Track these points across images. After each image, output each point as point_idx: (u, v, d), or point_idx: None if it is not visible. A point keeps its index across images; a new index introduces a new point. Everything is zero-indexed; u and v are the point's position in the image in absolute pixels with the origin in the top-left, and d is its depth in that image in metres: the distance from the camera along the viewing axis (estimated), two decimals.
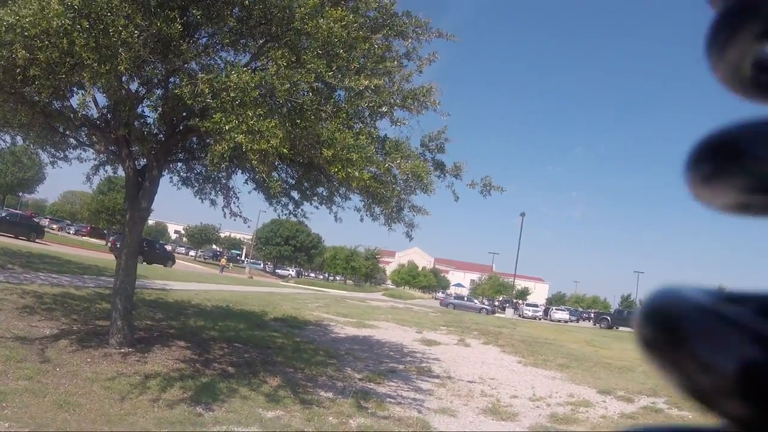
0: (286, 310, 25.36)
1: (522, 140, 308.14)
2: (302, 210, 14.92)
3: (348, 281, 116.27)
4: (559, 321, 72.46)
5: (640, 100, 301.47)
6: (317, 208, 14.65)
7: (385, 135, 11.88)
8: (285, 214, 15.36)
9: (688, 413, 13.19)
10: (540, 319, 72.80)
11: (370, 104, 9.87)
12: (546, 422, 11.10)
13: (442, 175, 12.68)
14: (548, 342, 28.59)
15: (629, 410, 13.08)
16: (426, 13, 11.36)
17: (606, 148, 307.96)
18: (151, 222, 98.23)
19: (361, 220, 13.16)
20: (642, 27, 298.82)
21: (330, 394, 10.95)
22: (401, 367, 15.46)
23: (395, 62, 10.99)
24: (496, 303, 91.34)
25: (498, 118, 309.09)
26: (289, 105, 9.04)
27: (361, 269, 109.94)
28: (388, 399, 11.35)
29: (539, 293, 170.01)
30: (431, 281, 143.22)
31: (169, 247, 72.13)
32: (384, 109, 10.21)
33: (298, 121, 8.79)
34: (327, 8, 8.83)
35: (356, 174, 9.13)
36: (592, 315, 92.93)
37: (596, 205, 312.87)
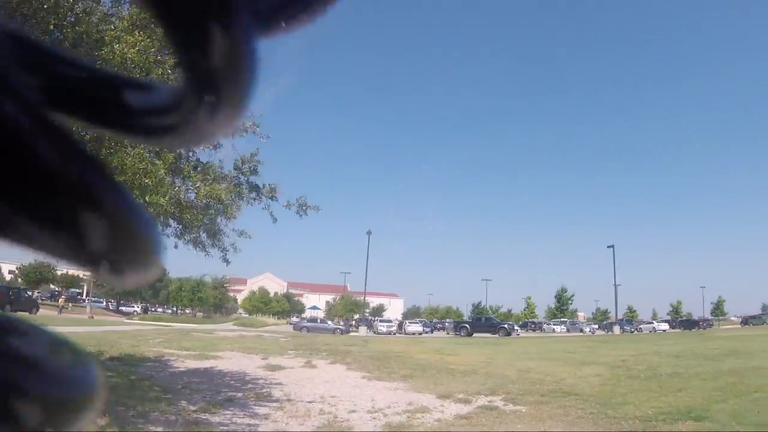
0: (124, 349, 24.39)
1: (371, 159, 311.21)
2: None
3: (198, 313, 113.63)
4: (413, 334, 73.61)
5: (480, 115, 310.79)
6: None
7: (197, 159, 11.66)
8: None
9: (522, 407, 13.56)
10: (395, 333, 73.32)
11: None
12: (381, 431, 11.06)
13: (257, 197, 12.55)
14: (397, 355, 28.82)
15: (465, 411, 13.22)
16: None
17: (452, 164, 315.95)
18: None
19: (175, 246, 12.81)
20: (475, 44, 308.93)
21: (160, 429, 10.49)
22: (240, 395, 15.05)
23: None
24: (352, 322, 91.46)
25: (348, 140, 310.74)
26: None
27: (209, 300, 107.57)
28: (220, 427, 10.98)
29: (395, 309, 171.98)
30: (284, 306, 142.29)
31: (34, 294, 68.77)
32: None
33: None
34: (124, 34, 8.53)
35: (150, 200, 8.84)
36: (446, 325, 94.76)
37: (446, 219, 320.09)
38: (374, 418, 12.42)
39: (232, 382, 17.65)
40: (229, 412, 12.63)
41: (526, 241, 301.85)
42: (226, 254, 12.96)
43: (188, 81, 0.42)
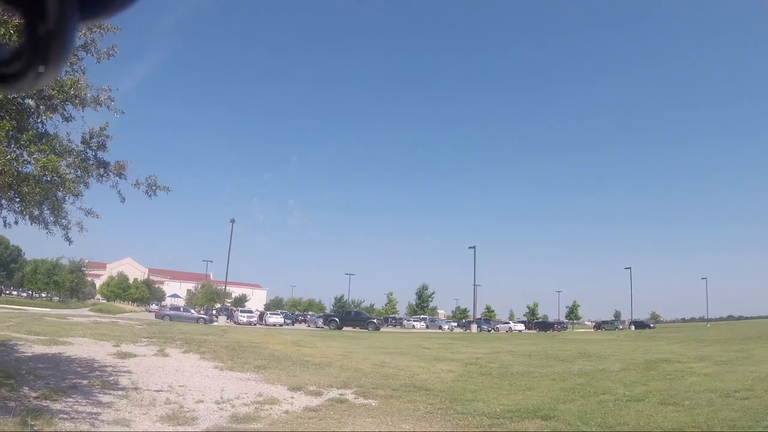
0: None
1: (240, 146, 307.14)
2: None
3: (54, 298, 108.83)
4: (273, 325, 73.08)
5: (349, 110, 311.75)
6: None
7: (45, 130, 10.99)
8: None
9: (372, 401, 13.52)
10: (255, 324, 72.63)
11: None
12: (225, 423, 10.79)
13: (105, 174, 11.96)
14: (253, 346, 28.41)
15: (315, 403, 13.11)
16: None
17: (319, 158, 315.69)
18: None
19: (15, 222, 12.02)
20: (349, 38, 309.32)
21: None
22: (85, 382, 14.41)
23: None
24: (214, 312, 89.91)
25: (217, 122, 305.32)
26: None
27: (66, 283, 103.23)
28: (60, 415, 10.44)
29: (258, 299, 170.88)
30: (144, 293, 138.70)
31: None
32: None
33: None
34: None
35: None
36: (308, 317, 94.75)
37: (311, 212, 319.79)
38: (221, 409, 12.17)
39: (80, 369, 16.94)
40: (71, 399, 12.14)
41: (390, 237, 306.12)
42: (68, 232, 12.29)
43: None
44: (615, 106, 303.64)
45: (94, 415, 10.73)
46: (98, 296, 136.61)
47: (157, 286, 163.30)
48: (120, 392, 13.39)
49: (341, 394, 14.40)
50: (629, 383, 17.41)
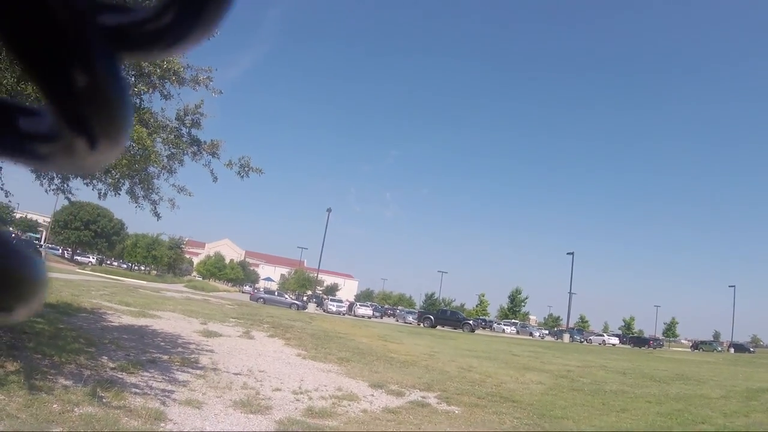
0: (62, 297, 23.35)
1: (338, 138, 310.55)
2: (68, 185, 13.46)
3: (153, 272, 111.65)
4: (362, 317, 73.03)
5: (451, 113, 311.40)
6: (87, 184, 13.20)
7: (140, 104, 10.80)
8: (52, 189, 13.71)
9: (456, 408, 12.84)
10: (344, 314, 72.68)
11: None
12: (299, 416, 10.27)
13: (198, 152, 11.72)
14: (340, 336, 28.16)
15: (395, 405, 12.51)
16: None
17: (420, 153, 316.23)
18: None
19: (102, 196, 11.90)
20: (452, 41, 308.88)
21: (70, 382, 9.70)
22: (165, 357, 14.29)
23: None
24: (305, 298, 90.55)
25: (318, 113, 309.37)
26: None
27: (164, 259, 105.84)
28: (133, 389, 10.22)
29: (348, 289, 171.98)
30: (239, 274, 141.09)
31: None
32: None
33: None
34: None
35: None
36: (397, 311, 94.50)
37: (407, 207, 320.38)
38: (297, 400, 11.73)
39: (163, 343, 16.95)
40: (148, 374, 11.96)
41: (484, 237, 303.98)
42: (156, 207, 12.14)
43: (57, 115, 0.45)
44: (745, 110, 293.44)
45: (167, 393, 10.49)
46: (194, 274, 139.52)
47: (252, 268, 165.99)
48: (198, 371, 13.21)
49: (423, 397, 13.76)
50: (729, 413, 16.16)
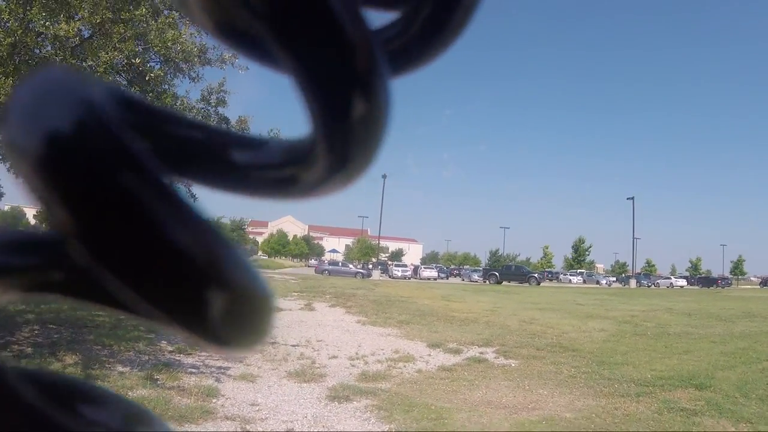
0: None
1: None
2: None
3: None
4: (428, 279, 73.20)
5: (504, 67, 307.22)
6: None
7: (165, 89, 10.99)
8: None
9: (513, 361, 12.83)
10: (409, 278, 72.88)
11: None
12: (354, 381, 10.37)
13: None
14: (401, 300, 28.28)
15: (452, 362, 12.56)
16: None
17: (474, 110, 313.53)
18: None
19: None
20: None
21: (127, 368, 10.02)
22: None
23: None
24: (370, 266, 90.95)
25: None
26: None
27: None
28: (189, 369, 10.49)
29: (414, 254, 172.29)
30: (303, 249, 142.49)
31: None
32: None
33: None
34: None
35: None
36: (462, 271, 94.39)
37: (465, 165, 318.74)
38: (353, 365, 11.88)
39: None
40: (204, 354, 12.07)
41: (545, 190, 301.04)
42: (190, 187, 12.32)
43: (317, 139, 0.42)
44: None
45: (222, 370, 10.71)
46: (260, 253, 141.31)
47: (316, 242, 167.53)
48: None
49: (481, 353, 13.77)
50: None
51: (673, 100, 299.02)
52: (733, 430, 7.95)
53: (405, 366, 11.94)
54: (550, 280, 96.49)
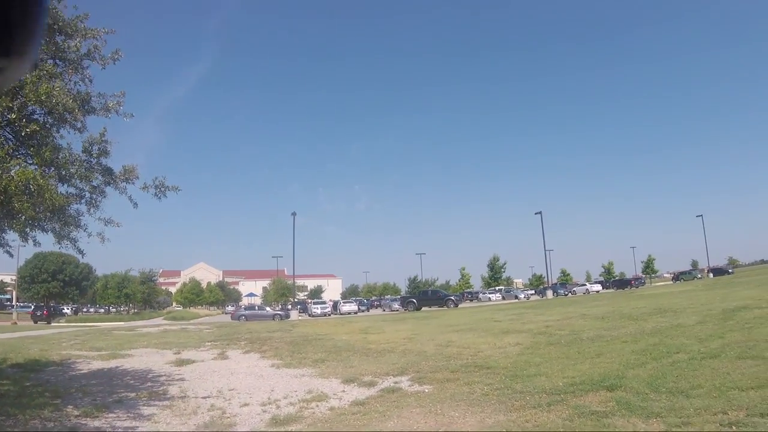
0: (31, 354, 22.92)
1: (299, 139, 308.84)
2: (4, 237, 13.17)
3: (132, 311, 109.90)
4: (348, 313, 73.27)
5: (409, 101, 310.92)
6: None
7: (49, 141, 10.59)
8: None
9: (427, 387, 12.75)
10: (329, 315, 72.57)
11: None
12: (263, 427, 10.15)
13: (112, 181, 11.56)
14: (318, 338, 27.91)
15: (365, 396, 12.39)
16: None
17: (383, 143, 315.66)
18: None
19: (37, 243, 11.72)
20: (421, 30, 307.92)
21: None
22: (133, 395, 14.06)
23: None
24: (289, 307, 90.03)
25: (272, 120, 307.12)
26: None
27: (137, 295, 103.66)
28: None
29: (333, 289, 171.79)
30: (218, 296, 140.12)
31: None
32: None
33: None
34: None
35: None
36: (383, 302, 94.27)
37: (377, 196, 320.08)
38: (264, 411, 11.59)
39: (132, 381, 16.69)
40: (113, 414, 11.81)
41: (458, 210, 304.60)
42: (76, 243, 11.98)
43: None
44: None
45: (130, 429, 10.42)
46: (174, 304, 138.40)
47: (232, 287, 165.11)
48: (165, 402, 13.04)
49: (396, 383, 13.64)
50: (705, 337, 16.14)
51: (578, 111, 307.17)
52: (644, 426, 7.94)
53: (317, 405, 11.70)
54: (471, 300, 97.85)
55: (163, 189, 11.71)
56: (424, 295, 73.39)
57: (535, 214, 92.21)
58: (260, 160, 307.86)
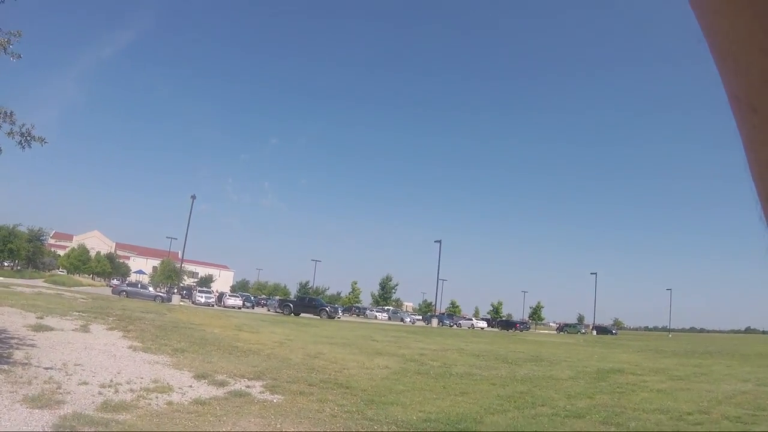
0: None
1: (217, 125, 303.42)
2: None
3: (17, 267, 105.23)
4: (232, 307, 72.20)
5: (327, 110, 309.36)
6: None
7: None
8: None
9: (278, 397, 12.23)
10: (213, 305, 71.32)
11: None
12: (91, 411, 9.41)
13: None
14: (190, 327, 27.09)
15: (211, 395, 11.79)
16: None
17: (296, 143, 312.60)
18: None
19: None
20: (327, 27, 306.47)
21: None
22: None
23: None
24: (175, 290, 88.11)
25: (193, 102, 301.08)
26: None
27: (21, 252, 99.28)
28: None
29: (224, 280, 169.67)
30: (106, 267, 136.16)
31: None
32: None
33: None
34: None
35: None
36: (269, 301, 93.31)
37: (285, 196, 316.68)
38: (100, 394, 10.89)
39: None
40: None
41: (361, 226, 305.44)
42: None
43: None
44: (594, 104, 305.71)
45: None
46: (60, 268, 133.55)
47: (122, 260, 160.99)
48: (4, 366, 12.20)
49: (248, 387, 13.10)
50: (574, 394, 16.06)
51: (478, 154, 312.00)
52: None
53: (157, 397, 11.06)
54: (358, 315, 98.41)
55: (28, 138, 10.91)
56: (302, 302, 74.50)
57: (435, 242, 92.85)
58: (174, 139, 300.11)
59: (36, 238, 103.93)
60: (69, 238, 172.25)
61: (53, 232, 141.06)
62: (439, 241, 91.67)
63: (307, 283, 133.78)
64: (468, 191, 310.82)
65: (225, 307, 71.98)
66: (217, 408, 10.50)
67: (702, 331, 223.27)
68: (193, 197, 73.43)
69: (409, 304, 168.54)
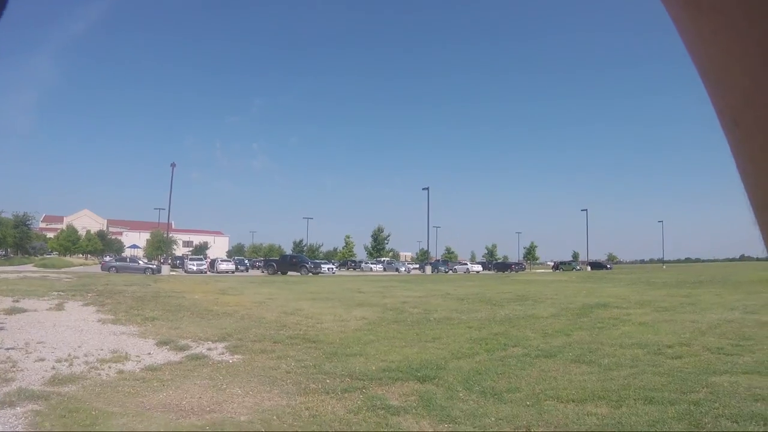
0: None
1: (199, 90, 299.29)
2: None
3: (6, 255, 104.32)
4: (225, 272, 72.50)
5: (314, 63, 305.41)
6: None
7: None
8: None
9: (238, 357, 12.13)
10: (205, 272, 71.36)
11: None
12: (38, 385, 9.31)
13: None
14: (171, 295, 27.00)
15: (166, 360, 11.70)
16: None
17: (284, 101, 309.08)
18: None
19: None
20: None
21: None
22: None
23: None
24: (167, 260, 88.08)
25: (172, 67, 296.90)
26: None
27: (7, 239, 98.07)
28: None
29: (220, 247, 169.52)
30: (96, 245, 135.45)
31: None
32: None
33: None
34: None
35: None
36: (266, 263, 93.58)
37: (275, 156, 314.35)
38: (54, 368, 10.76)
39: None
40: None
41: (354, 180, 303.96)
42: None
43: None
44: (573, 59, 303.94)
45: None
46: (51, 250, 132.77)
47: (115, 237, 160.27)
48: None
49: (209, 349, 13.02)
50: (551, 333, 15.94)
51: (465, 91, 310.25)
52: (430, 431, 7.28)
53: (110, 367, 10.97)
54: (354, 269, 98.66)
55: None
56: (284, 260, 75.72)
57: (423, 189, 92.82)
58: (156, 107, 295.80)
59: (22, 224, 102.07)
60: (60, 220, 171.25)
61: (43, 215, 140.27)
62: (427, 188, 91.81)
63: (301, 241, 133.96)
64: (459, 133, 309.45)
65: (218, 272, 72.26)
66: (167, 373, 10.39)
67: (698, 261, 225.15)
68: (173, 165, 72.87)
69: (407, 254, 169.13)
